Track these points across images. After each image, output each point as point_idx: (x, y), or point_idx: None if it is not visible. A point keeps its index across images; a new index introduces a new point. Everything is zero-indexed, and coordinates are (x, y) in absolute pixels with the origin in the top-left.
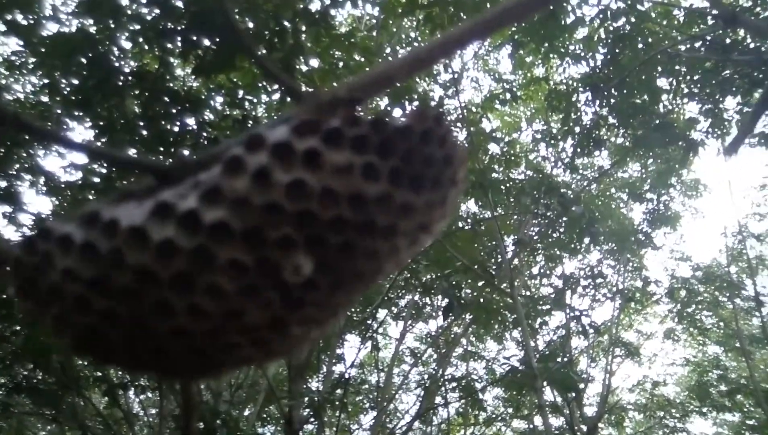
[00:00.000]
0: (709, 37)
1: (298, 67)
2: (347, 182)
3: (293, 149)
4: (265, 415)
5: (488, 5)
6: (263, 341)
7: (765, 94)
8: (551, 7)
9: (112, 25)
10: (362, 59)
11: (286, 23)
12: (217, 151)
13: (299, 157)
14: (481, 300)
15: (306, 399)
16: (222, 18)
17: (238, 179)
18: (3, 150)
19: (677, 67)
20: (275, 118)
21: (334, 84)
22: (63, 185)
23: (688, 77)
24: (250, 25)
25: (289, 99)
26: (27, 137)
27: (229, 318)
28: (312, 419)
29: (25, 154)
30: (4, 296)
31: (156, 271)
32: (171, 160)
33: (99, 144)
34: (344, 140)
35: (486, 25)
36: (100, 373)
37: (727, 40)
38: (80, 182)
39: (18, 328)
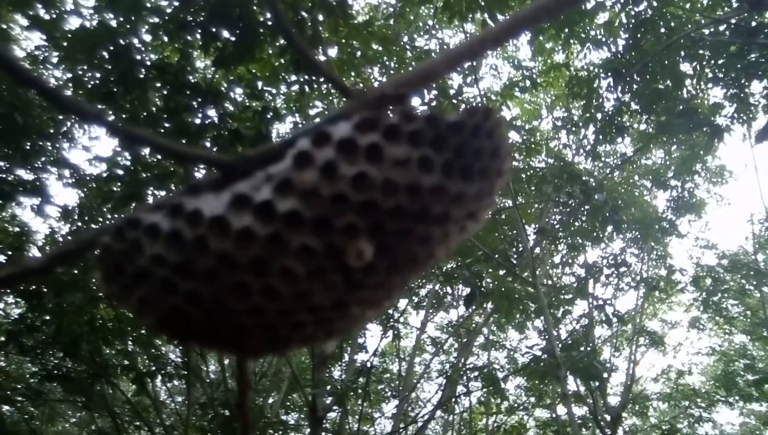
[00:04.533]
0: (733, 21)
1: (317, 57)
2: (405, 174)
3: (357, 144)
4: (288, 403)
5: None
6: (326, 320)
7: None
8: None
9: (133, 19)
10: (380, 48)
11: (304, 14)
12: (276, 145)
13: (362, 152)
14: (503, 289)
15: (329, 387)
16: (240, 9)
17: (307, 172)
18: (29, 143)
19: (701, 52)
20: (326, 114)
21: (353, 73)
22: (88, 178)
23: (713, 61)
24: (268, 16)
25: (316, 92)
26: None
27: (298, 298)
28: (335, 407)
29: (51, 148)
30: (34, 287)
31: (236, 256)
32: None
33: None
34: (402, 135)
35: (522, 22)
36: (128, 362)
37: (753, 23)
38: (105, 175)
39: (48, 317)
